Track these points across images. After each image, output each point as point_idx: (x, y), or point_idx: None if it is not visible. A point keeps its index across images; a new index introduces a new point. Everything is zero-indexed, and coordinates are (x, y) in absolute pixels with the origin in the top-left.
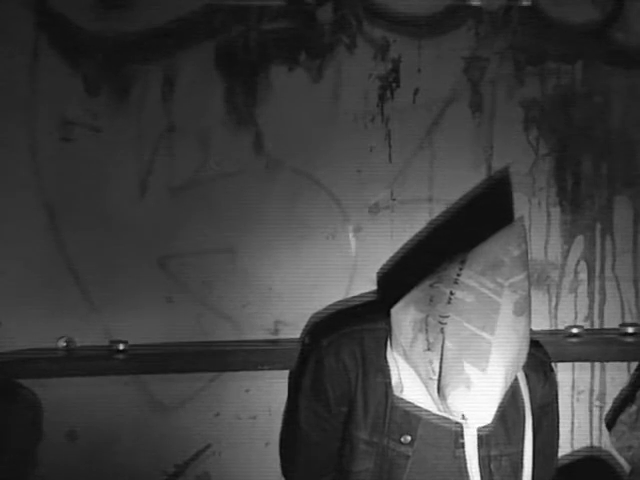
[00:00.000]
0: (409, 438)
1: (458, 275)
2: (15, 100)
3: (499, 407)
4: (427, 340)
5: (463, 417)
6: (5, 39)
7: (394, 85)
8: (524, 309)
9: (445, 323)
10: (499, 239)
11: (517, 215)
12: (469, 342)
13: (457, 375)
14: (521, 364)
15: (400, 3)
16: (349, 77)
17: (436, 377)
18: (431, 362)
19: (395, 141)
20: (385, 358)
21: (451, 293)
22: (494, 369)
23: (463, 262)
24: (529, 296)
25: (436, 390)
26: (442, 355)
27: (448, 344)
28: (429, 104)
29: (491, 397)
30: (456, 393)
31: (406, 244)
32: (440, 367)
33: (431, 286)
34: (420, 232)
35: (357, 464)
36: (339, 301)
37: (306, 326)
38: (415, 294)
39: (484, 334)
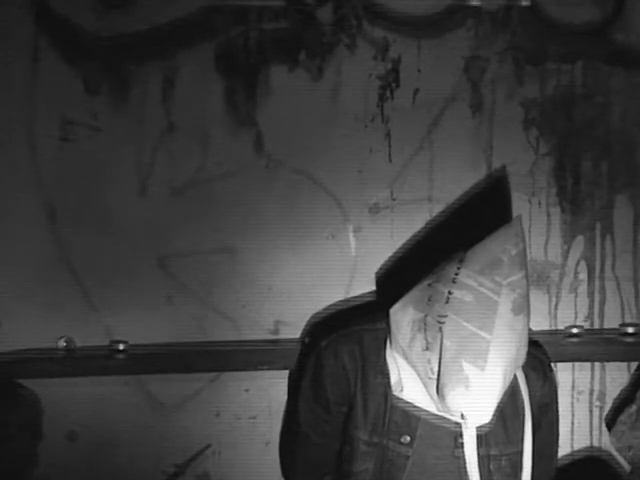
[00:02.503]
0: (408, 438)
1: (456, 274)
2: (15, 100)
3: (498, 406)
4: (425, 339)
5: (462, 416)
6: (5, 40)
7: (394, 85)
8: (522, 308)
9: (443, 322)
10: (497, 238)
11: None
12: (467, 341)
13: (456, 374)
14: (520, 363)
15: (400, 3)
16: (349, 77)
17: (435, 376)
18: (429, 361)
19: (395, 141)
20: (385, 358)
21: (449, 292)
22: (493, 368)
23: (461, 261)
24: (527, 295)
25: (435, 390)
26: (441, 354)
27: (446, 343)
28: (429, 104)
29: (490, 396)
30: (455, 392)
31: (406, 244)
32: (439, 366)
33: (429, 285)
34: (420, 232)
35: (357, 464)
36: (339, 301)
37: (306, 326)
38: (413, 294)
39: (482, 333)
